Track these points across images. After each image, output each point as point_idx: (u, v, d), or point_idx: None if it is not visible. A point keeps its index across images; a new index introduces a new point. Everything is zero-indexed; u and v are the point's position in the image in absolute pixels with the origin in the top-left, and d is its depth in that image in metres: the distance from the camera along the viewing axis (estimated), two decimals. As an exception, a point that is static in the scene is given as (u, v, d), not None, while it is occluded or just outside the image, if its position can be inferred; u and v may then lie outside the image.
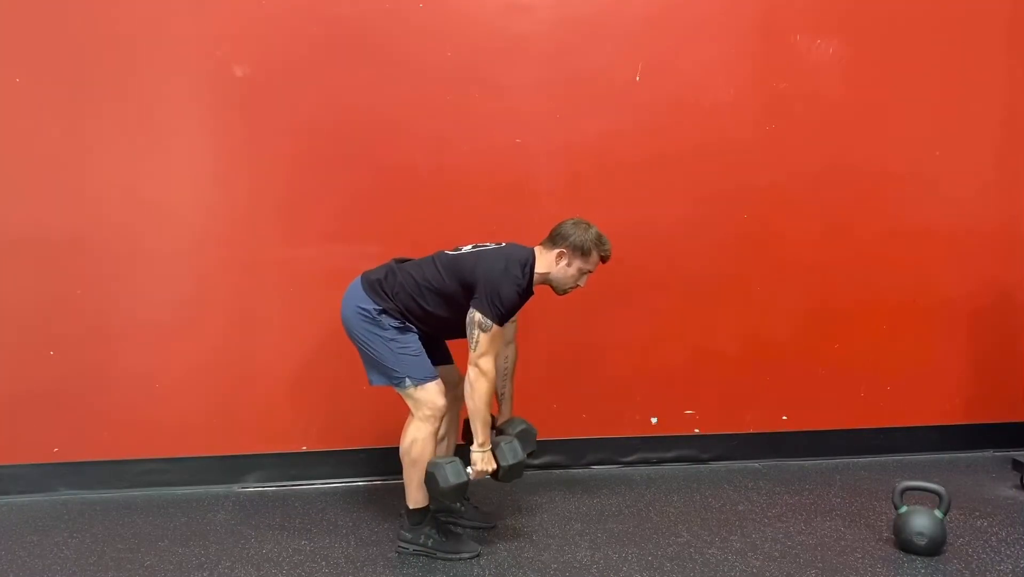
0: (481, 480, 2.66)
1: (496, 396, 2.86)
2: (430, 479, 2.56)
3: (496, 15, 3.40)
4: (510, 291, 2.56)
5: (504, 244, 2.73)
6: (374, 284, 2.66)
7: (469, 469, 2.62)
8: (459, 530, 2.89)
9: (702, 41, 3.50)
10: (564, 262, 2.68)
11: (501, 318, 2.55)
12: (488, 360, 2.56)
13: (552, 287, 2.75)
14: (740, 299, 3.61)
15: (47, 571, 2.65)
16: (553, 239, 2.70)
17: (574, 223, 2.69)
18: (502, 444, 2.65)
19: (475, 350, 2.56)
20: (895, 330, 3.68)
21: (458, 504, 2.95)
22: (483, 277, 2.56)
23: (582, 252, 2.66)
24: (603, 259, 2.73)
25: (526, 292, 2.66)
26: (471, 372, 2.57)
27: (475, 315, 2.54)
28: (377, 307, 2.62)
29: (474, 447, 2.64)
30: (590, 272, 2.73)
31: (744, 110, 3.53)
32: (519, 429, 2.81)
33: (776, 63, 3.54)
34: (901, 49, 3.59)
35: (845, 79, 3.57)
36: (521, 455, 2.66)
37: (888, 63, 3.59)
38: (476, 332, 2.54)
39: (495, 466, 2.64)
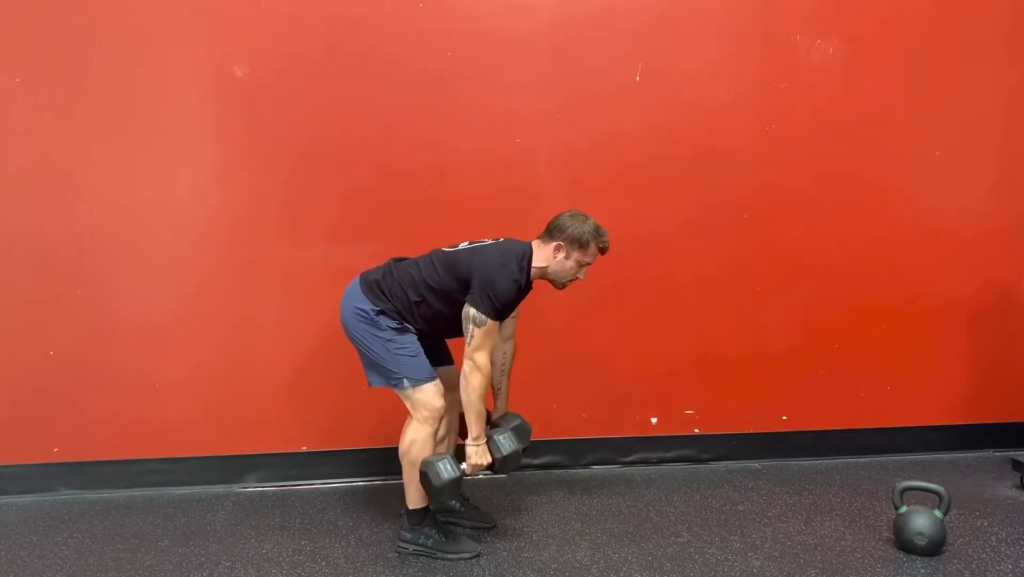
0: (478, 477, 2.67)
1: (492, 391, 2.86)
2: (424, 477, 2.56)
3: (496, 15, 3.40)
4: (506, 286, 2.55)
5: (501, 239, 2.72)
6: (372, 285, 2.66)
7: (464, 464, 2.62)
8: (459, 530, 2.89)
9: (702, 41, 3.50)
10: (562, 255, 2.66)
11: (497, 313, 2.55)
12: (483, 355, 2.56)
13: (551, 281, 2.74)
14: (740, 299, 3.61)
15: (47, 571, 2.65)
16: (550, 232, 2.68)
17: (571, 215, 2.67)
18: (495, 436, 2.66)
19: (470, 344, 2.56)
20: (895, 330, 3.68)
21: (457, 504, 2.95)
22: (479, 272, 2.55)
23: (580, 244, 2.64)
24: (602, 250, 2.70)
25: (524, 287, 2.65)
26: (466, 366, 2.57)
27: (470, 310, 2.54)
28: (375, 308, 2.62)
29: (468, 441, 2.64)
30: (589, 264, 2.71)
31: (744, 110, 3.53)
32: (514, 424, 2.81)
33: (776, 63, 3.54)
34: (901, 49, 3.59)
35: (845, 79, 3.57)
36: (516, 446, 2.66)
37: (888, 63, 3.58)
38: (471, 327, 2.54)
39: (490, 459, 2.64)
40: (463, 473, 2.59)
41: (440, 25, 3.36)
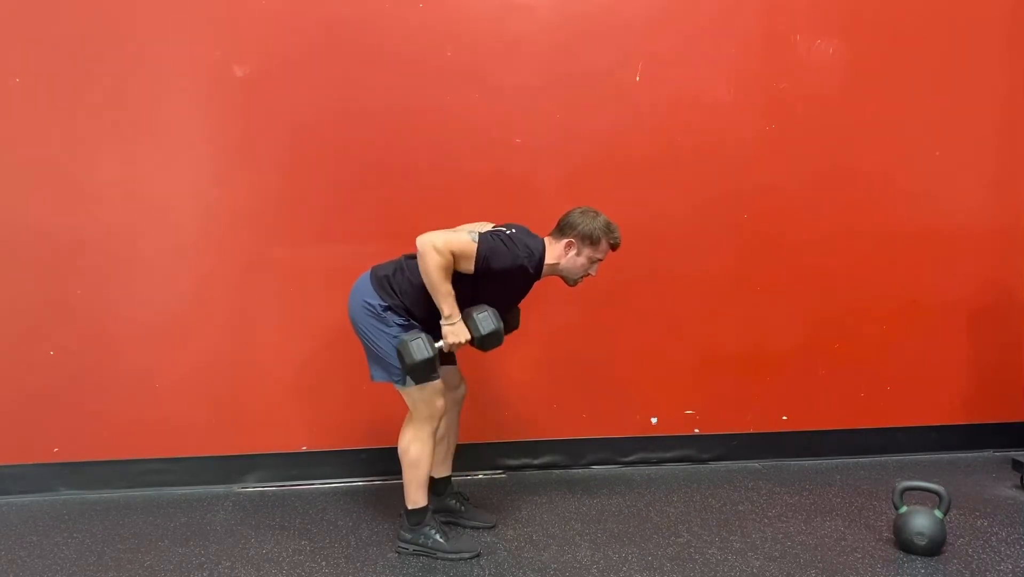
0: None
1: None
2: (399, 357, 2.49)
3: (496, 15, 3.40)
4: (504, 255, 2.52)
5: (514, 229, 2.66)
6: (382, 280, 2.65)
7: (440, 343, 2.54)
8: (459, 530, 2.89)
9: (702, 41, 3.50)
10: (573, 252, 2.66)
11: (483, 256, 2.48)
12: (441, 242, 2.47)
13: (563, 278, 2.73)
14: (740, 299, 3.61)
15: (47, 571, 2.65)
16: (561, 229, 2.68)
17: (581, 212, 2.67)
18: (475, 314, 2.54)
19: (436, 232, 2.50)
20: (895, 330, 3.68)
21: (457, 504, 2.95)
22: (484, 238, 2.53)
23: (591, 241, 2.64)
24: (613, 247, 2.70)
25: (532, 275, 2.62)
26: (420, 245, 2.49)
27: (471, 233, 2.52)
28: (383, 303, 2.61)
29: (442, 321, 2.55)
30: (600, 260, 2.70)
31: (744, 110, 3.53)
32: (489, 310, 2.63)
33: (776, 63, 3.54)
34: (901, 49, 3.59)
35: (845, 79, 3.57)
36: (497, 323, 2.54)
37: (888, 63, 3.58)
38: (457, 232, 2.52)
39: (468, 336, 2.55)
40: (439, 352, 2.52)
41: (440, 25, 3.36)
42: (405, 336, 2.51)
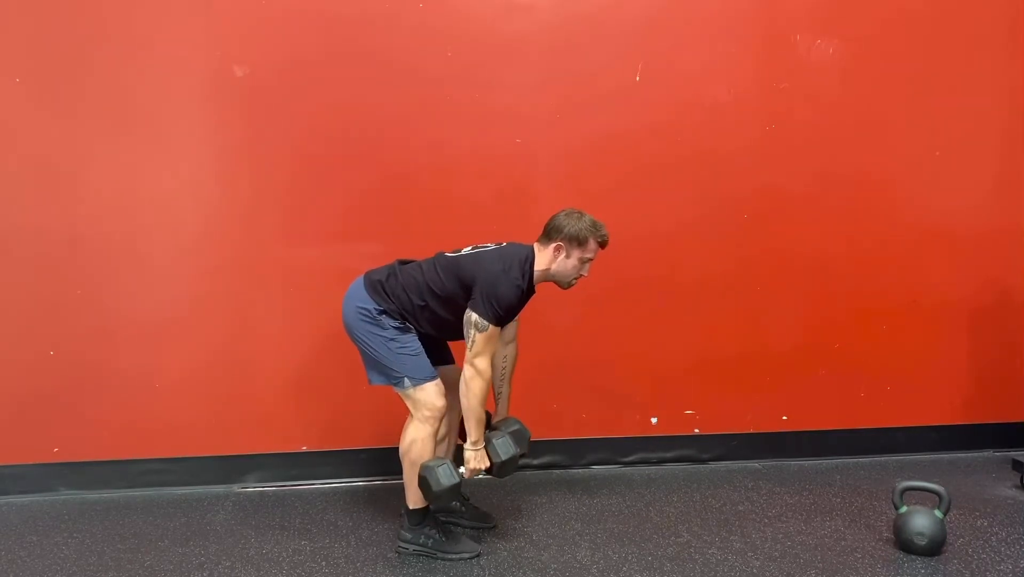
0: (475, 480, 2.67)
1: (493, 394, 2.86)
2: (423, 483, 2.56)
3: (496, 15, 3.40)
4: (508, 292, 2.55)
5: (504, 244, 2.72)
6: (376, 284, 2.66)
7: (462, 469, 2.62)
8: (459, 530, 2.89)
9: (702, 41, 3.51)
10: (562, 255, 2.66)
11: (498, 318, 2.55)
12: (484, 360, 2.56)
13: (556, 282, 2.73)
14: (740, 299, 3.61)
15: (47, 571, 2.65)
16: (548, 234, 2.68)
17: (566, 214, 2.67)
18: (494, 441, 2.66)
19: (471, 349, 2.56)
20: (895, 330, 3.68)
21: (457, 504, 2.95)
22: (481, 278, 2.56)
23: (578, 241, 2.64)
24: (601, 245, 2.70)
25: (527, 292, 2.66)
26: (467, 371, 2.57)
27: (471, 316, 2.54)
28: (378, 307, 2.62)
29: (467, 445, 2.64)
30: (591, 260, 2.70)
31: (744, 110, 3.53)
32: (512, 428, 2.80)
33: (776, 63, 3.54)
34: (901, 49, 3.59)
35: (845, 79, 3.57)
36: (514, 451, 2.66)
37: (888, 63, 3.59)
38: (472, 332, 2.54)
39: (488, 464, 2.64)
40: (461, 478, 2.59)
41: (440, 25, 3.36)
42: (429, 462, 2.58)
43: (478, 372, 2.55)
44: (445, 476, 2.54)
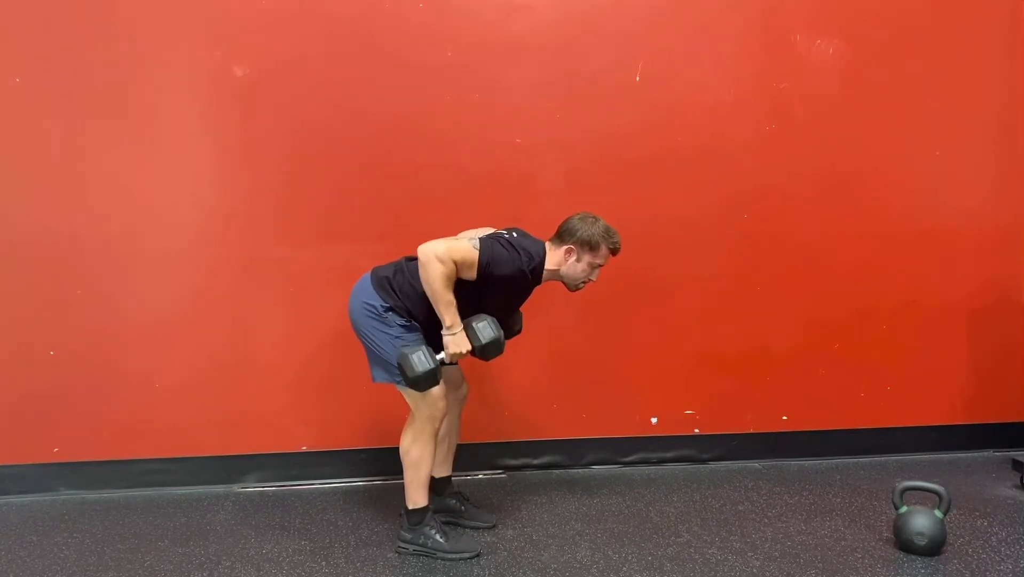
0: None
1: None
2: (401, 371, 2.49)
3: (496, 15, 3.40)
4: (505, 259, 2.52)
5: (515, 232, 2.67)
6: (383, 281, 2.65)
7: (442, 354, 2.55)
8: (459, 530, 2.89)
9: (702, 41, 3.51)
10: (573, 258, 2.66)
11: (484, 254, 2.49)
12: (444, 253, 2.45)
13: (564, 283, 2.74)
14: (740, 299, 3.61)
15: (47, 571, 2.65)
16: (561, 235, 2.68)
17: (580, 217, 2.68)
18: (474, 324, 2.54)
19: (432, 241, 2.48)
20: (895, 330, 3.68)
21: (457, 504, 2.95)
22: (488, 239, 2.54)
23: (590, 246, 2.65)
24: (613, 252, 2.70)
25: (529, 279, 2.62)
26: (422, 254, 2.47)
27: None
28: (384, 304, 2.61)
29: (443, 331, 2.54)
30: (601, 265, 2.71)
31: (744, 110, 3.53)
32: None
33: (776, 63, 3.54)
34: (901, 49, 3.59)
35: (845, 79, 3.57)
36: (497, 332, 2.54)
37: (888, 63, 3.59)
38: (447, 239, 2.50)
39: (469, 346, 2.55)
40: (441, 363, 2.53)
41: (440, 25, 3.36)
42: (406, 349, 2.52)
43: (438, 259, 2.44)
44: (420, 362, 2.46)
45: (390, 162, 3.39)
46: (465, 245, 2.51)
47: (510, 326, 2.75)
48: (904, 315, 3.68)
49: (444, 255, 2.46)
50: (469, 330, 2.55)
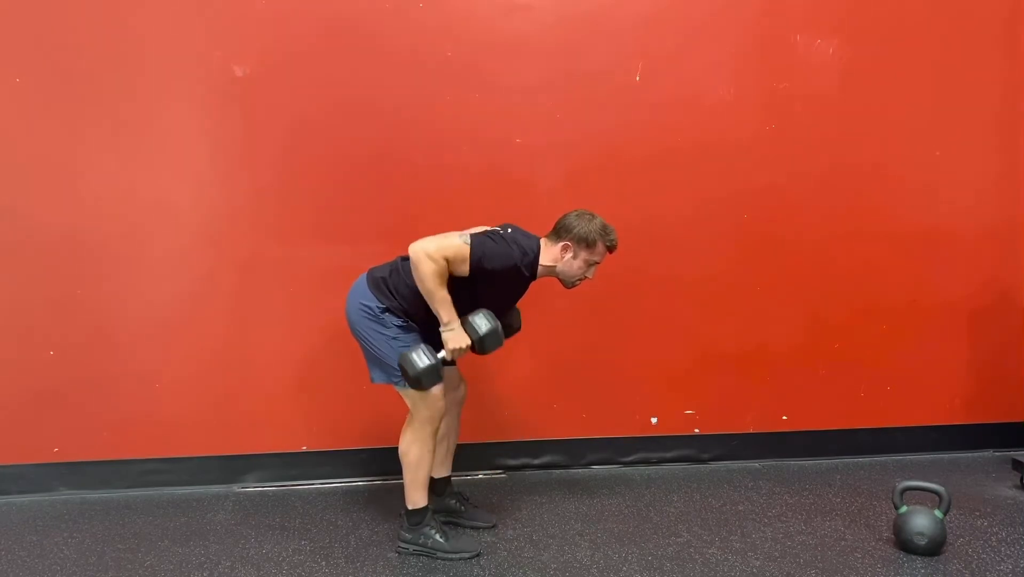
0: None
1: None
2: (403, 372, 2.50)
3: (496, 15, 3.40)
4: (498, 253, 2.52)
5: (509, 228, 2.67)
6: (379, 282, 2.65)
7: (443, 352, 2.55)
8: (459, 530, 2.89)
9: (702, 41, 3.51)
10: (569, 255, 2.65)
11: (475, 254, 2.49)
12: (434, 250, 2.46)
13: (560, 280, 2.73)
14: (740, 299, 3.61)
15: (47, 571, 2.65)
16: (557, 232, 2.67)
17: (577, 215, 2.67)
18: (471, 318, 2.55)
19: (424, 238, 2.48)
20: (895, 330, 3.68)
21: (457, 504, 2.95)
22: (479, 236, 2.54)
23: (587, 244, 2.64)
24: (609, 249, 2.69)
25: (525, 272, 2.61)
26: (412, 253, 2.47)
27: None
28: (380, 305, 2.61)
29: (441, 328, 2.55)
30: (597, 263, 2.70)
31: (744, 110, 3.53)
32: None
33: (776, 63, 3.54)
34: (901, 49, 3.59)
35: (845, 79, 3.57)
36: (494, 323, 2.54)
37: (888, 63, 3.59)
38: (440, 237, 2.50)
39: (468, 341, 2.55)
40: (442, 361, 2.53)
41: (440, 25, 3.36)
42: (406, 349, 2.52)
43: (429, 257, 2.45)
44: (421, 359, 2.47)
45: (390, 162, 3.39)
46: (456, 241, 2.51)
47: (509, 324, 2.76)
48: (904, 315, 3.68)
49: (435, 253, 2.46)
50: (467, 324, 2.55)
